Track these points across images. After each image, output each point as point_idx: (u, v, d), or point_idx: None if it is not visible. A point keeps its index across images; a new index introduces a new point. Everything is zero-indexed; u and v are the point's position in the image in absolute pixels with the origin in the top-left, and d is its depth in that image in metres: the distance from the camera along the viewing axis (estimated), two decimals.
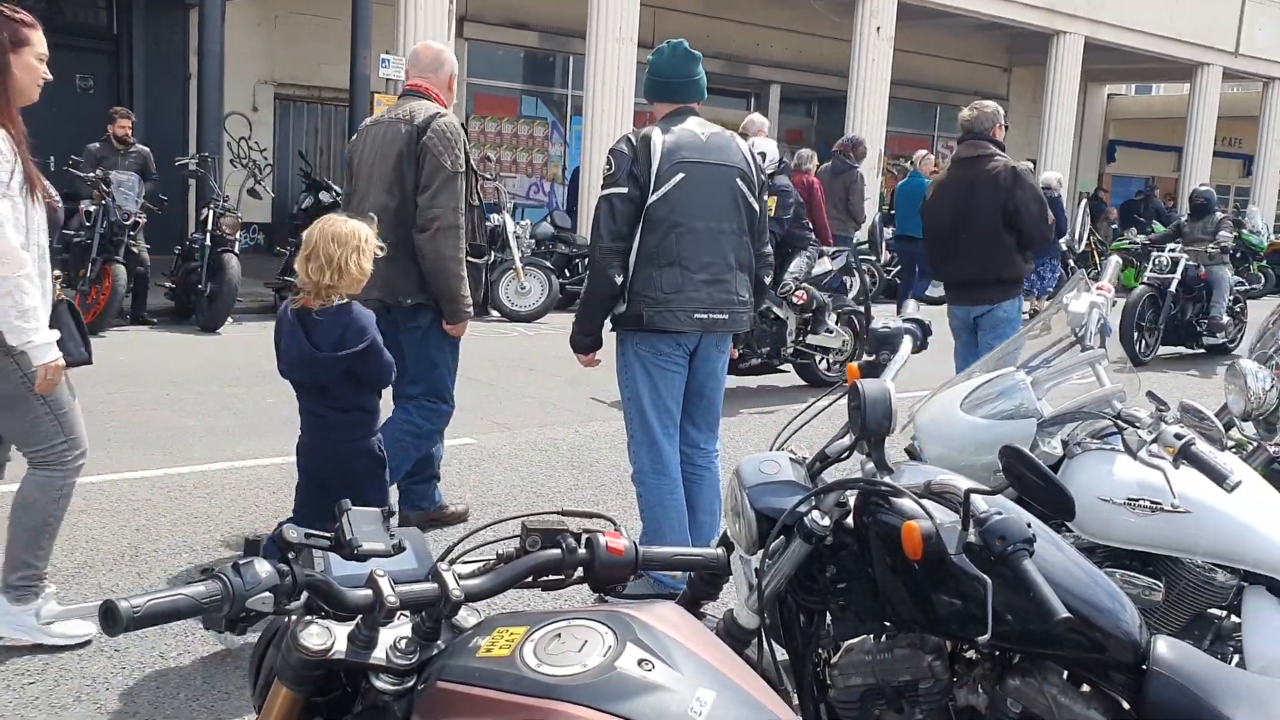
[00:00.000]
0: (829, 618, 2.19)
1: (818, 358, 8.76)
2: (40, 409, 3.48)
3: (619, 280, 4.04)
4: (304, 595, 1.36)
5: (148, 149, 11.09)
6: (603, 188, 4.07)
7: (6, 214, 3.28)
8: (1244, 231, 19.57)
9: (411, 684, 1.40)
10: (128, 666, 3.60)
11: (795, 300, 8.31)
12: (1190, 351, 11.68)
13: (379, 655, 1.39)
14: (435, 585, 1.41)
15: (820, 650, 2.19)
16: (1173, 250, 11.55)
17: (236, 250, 10.61)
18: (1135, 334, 11.00)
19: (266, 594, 1.31)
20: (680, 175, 4.02)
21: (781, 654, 2.22)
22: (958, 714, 2.01)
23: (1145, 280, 11.59)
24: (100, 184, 9.96)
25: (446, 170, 4.44)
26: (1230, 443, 3.35)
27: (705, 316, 4.12)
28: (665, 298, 4.05)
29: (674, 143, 4.05)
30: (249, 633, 1.42)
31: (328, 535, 1.41)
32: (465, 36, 16.15)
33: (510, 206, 12.57)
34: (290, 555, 1.35)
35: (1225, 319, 11.53)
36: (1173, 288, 11.21)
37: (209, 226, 10.45)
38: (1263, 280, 18.06)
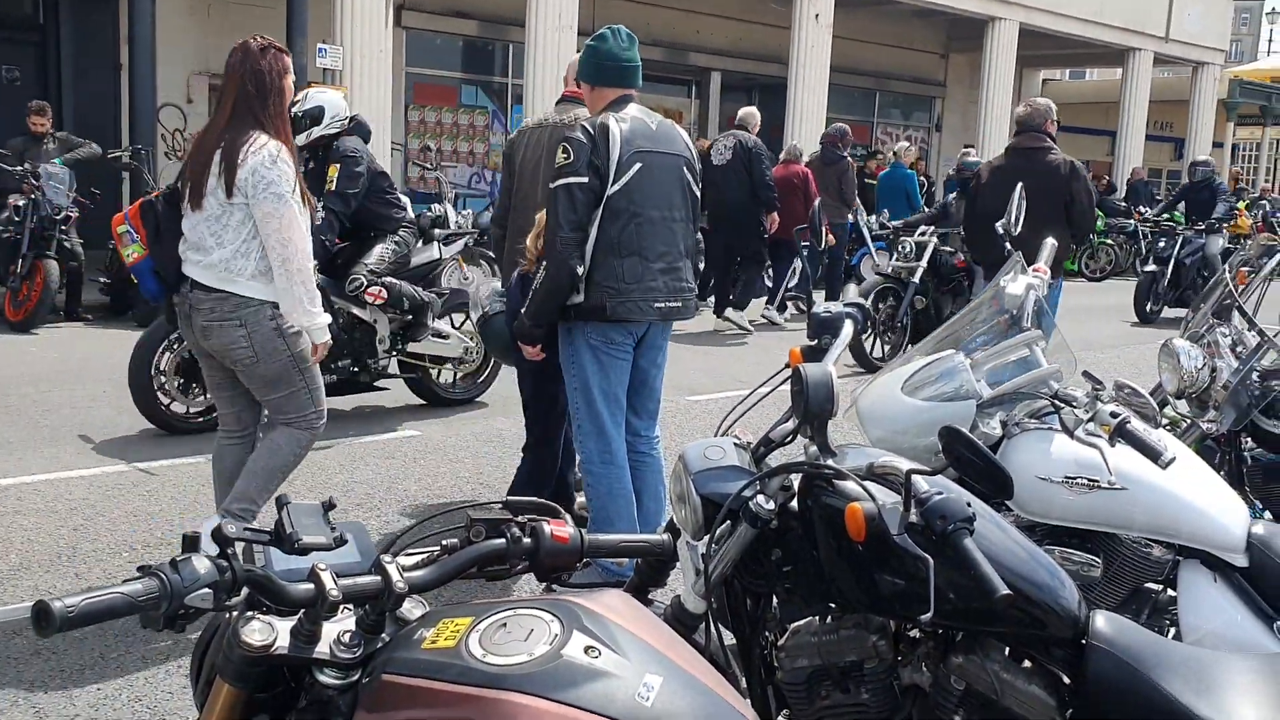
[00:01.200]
0: (775, 601, 2.20)
1: (436, 371, 7.29)
2: (300, 383, 4.05)
3: (580, 271, 4.01)
4: (244, 591, 1.34)
5: (65, 133, 10.81)
6: (559, 177, 4.00)
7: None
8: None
9: (356, 678, 1.39)
10: (66, 669, 3.54)
11: (368, 298, 6.52)
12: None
13: (323, 649, 1.38)
14: (379, 578, 1.39)
15: (767, 633, 2.21)
16: (922, 235, 9.73)
17: None
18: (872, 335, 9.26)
19: (206, 590, 1.29)
20: (638, 165, 4.03)
21: (729, 638, 2.23)
22: (903, 692, 2.04)
23: (885, 270, 9.82)
24: (29, 178, 9.74)
25: None
26: (1164, 421, 3.42)
27: (664, 305, 4.15)
28: (627, 288, 4.05)
29: (630, 132, 4.04)
30: (189, 630, 1.40)
31: (267, 530, 1.39)
32: (403, 25, 15.98)
33: (452, 196, 12.46)
34: (230, 550, 1.33)
35: None
36: (916, 277, 9.41)
37: None
38: None
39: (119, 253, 4.33)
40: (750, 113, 11.33)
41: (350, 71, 12.96)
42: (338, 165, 6.31)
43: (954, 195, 12.14)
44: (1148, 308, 13.14)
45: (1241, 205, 20.01)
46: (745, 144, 10.66)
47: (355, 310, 6.66)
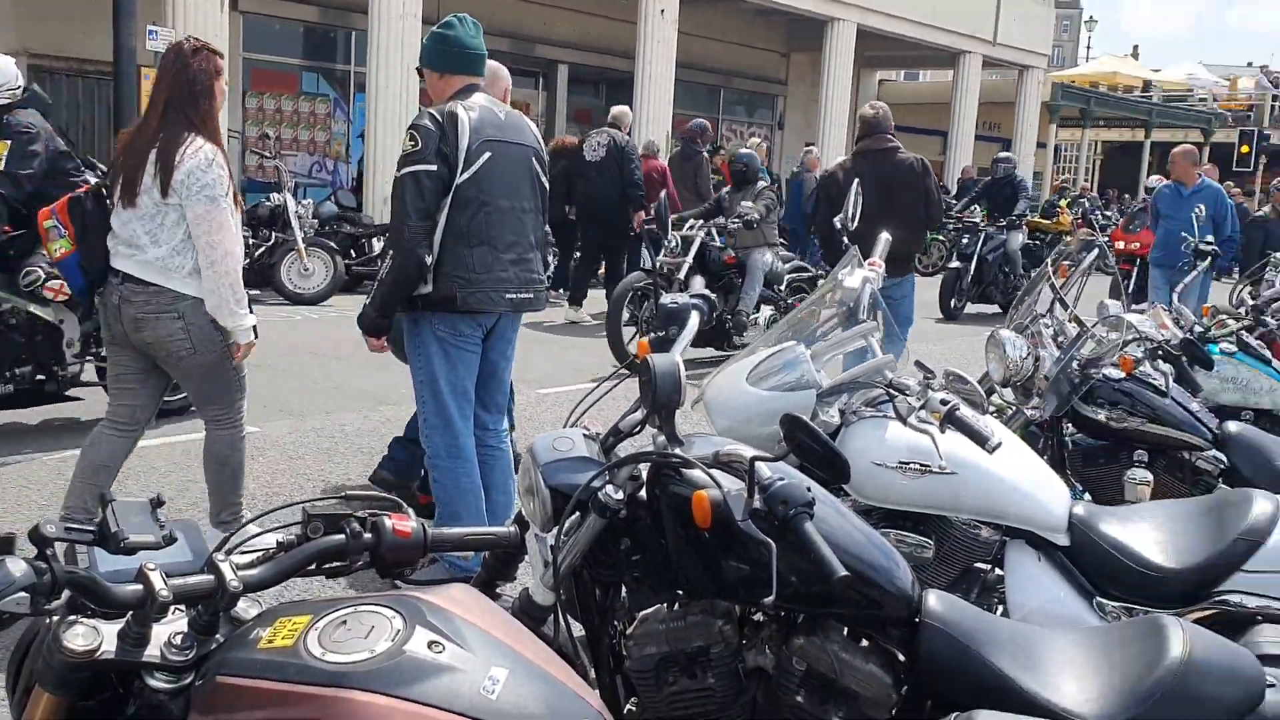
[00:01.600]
0: (624, 590, 2.21)
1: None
2: (230, 374, 4.17)
3: (429, 260, 3.94)
4: (66, 594, 1.27)
5: None
6: (405, 164, 3.91)
7: None
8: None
9: (189, 681, 1.34)
10: None
11: (48, 293, 5.66)
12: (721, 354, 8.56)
13: (152, 653, 1.33)
14: (211, 577, 1.35)
15: (616, 623, 2.22)
16: (690, 229, 9.39)
17: None
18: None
19: (21, 594, 1.22)
20: (488, 154, 3.98)
21: (578, 629, 2.23)
22: (747, 675, 2.08)
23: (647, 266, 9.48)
24: None
25: None
26: (991, 407, 3.57)
27: (515, 296, 4.12)
28: (477, 278, 4.00)
29: (479, 120, 3.99)
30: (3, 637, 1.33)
31: (91, 528, 1.33)
32: (240, 9, 15.45)
33: (291, 185, 12.11)
34: (49, 551, 1.26)
35: (754, 315, 9.16)
36: (682, 274, 8.97)
37: None
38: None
39: (45, 247, 4.24)
40: (623, 111, 11.63)
41: None
42: (8, 142, 5.47)
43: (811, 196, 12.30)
44: (952, 303, 13.35)
45: (1063, 203, 21.08)
46: (618, 142, 10.87)
47: (34, 309, 5.77)
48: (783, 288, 9.65)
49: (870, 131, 6.81)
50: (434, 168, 3.89)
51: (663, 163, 12.09)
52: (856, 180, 4.30)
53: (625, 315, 9.13)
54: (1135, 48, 66.99)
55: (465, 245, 3.98)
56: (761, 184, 10.02)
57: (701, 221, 9.54)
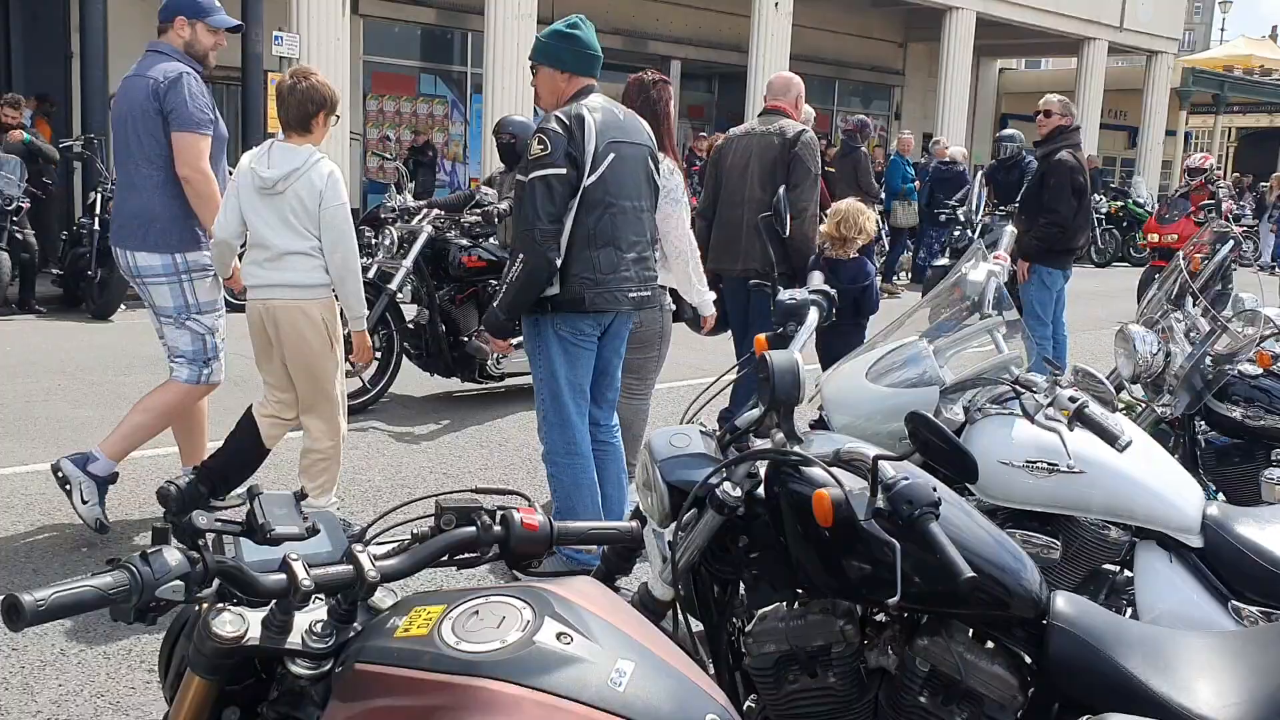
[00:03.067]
0: (742, 587, 2.22)
1: None
2: None
3: (558, 263, 3.99)
4: (215, 582, 1.33)
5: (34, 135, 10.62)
6: (534, 168, 3.93)
7: None
8: (1130, 201, 20.24)
9: (329, 667, 1.38)
10: (28, 665, 3.50)
11: None
12: None
13: (294, 640, 1.37)
14: (350, 567, 1.39)
15: (734, 620, 2.22)
16: (420, 218, 7.44)
17: None
18: None
19: (177, 582, 1.28)
20: (612, 155, 4.02)
21: (696, 625, 2.25)
22: (869, 675, 2.06)
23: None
24: None
25: (812, 174, 5.61)
26: (1121, 405, 3.48)
27: (636, 294, 4.18)
28: (604, 279, 4.05)
29: (603, 122, 4.03)
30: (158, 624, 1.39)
31: (239, 521, 1.39)
32: (361, 13, 15.84)
33: (411, 186, 12.38)
34: (201, 542, 1.32)
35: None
36: (395, 281, 7.01)
37: (97, 210, 10.12)
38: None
39: None
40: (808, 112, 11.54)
41: (307, 60, 12.82)
42: None
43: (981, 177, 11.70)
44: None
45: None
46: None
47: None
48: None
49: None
50: (563, 171, 3.92)
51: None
52: (980, 173, 4.21)
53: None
54: (1275, 29, 63.96)
55: (592, 247, 4.02)
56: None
57: (437, 211, 7.35)
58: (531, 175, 3.94)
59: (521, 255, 3.98)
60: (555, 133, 3.94)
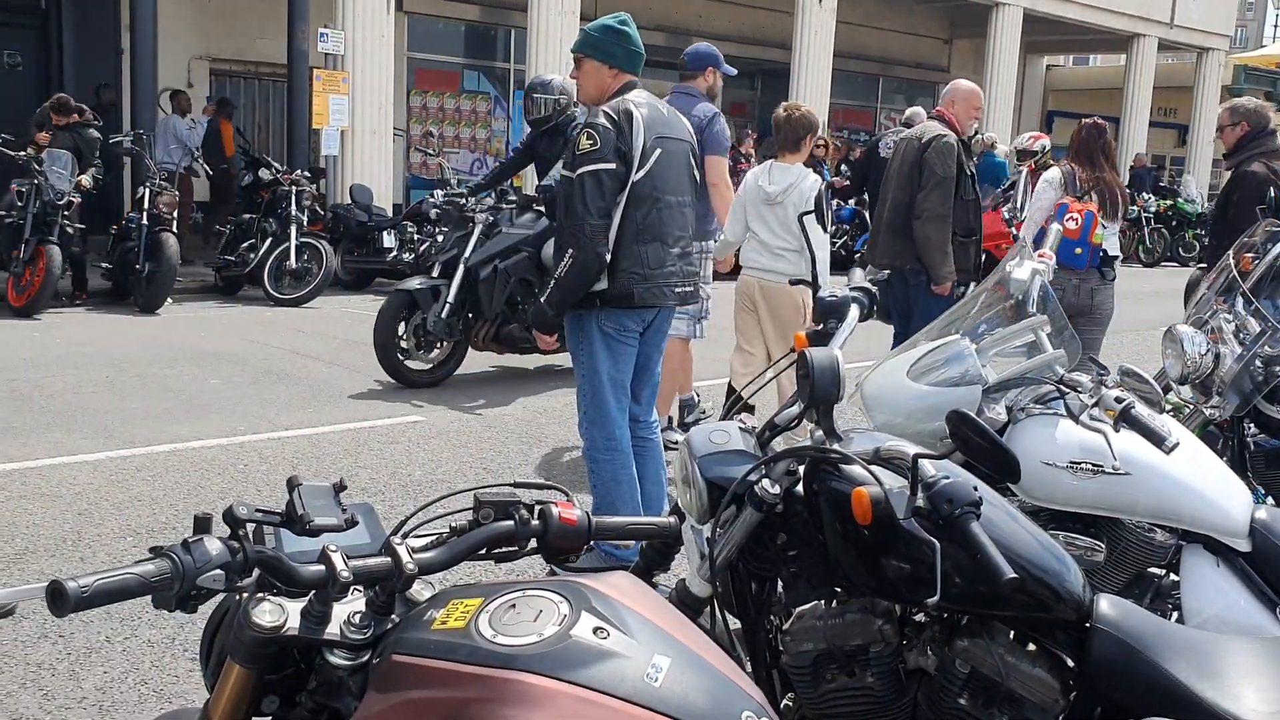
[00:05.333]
0: (780, 585, 2.20)
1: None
2: None
3: (608, 258, 4.00)
4: (255, 572, 1.34)
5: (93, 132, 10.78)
6: (583, 164, 3.93)
7: None
8: (1179, 200, 19.95)
9: (366, 658, 1.39)
10: (74, 652, 3.55)
11: None
12: None
13: (333, 631, 1.38)
14: (388, 559, 1.40)
15: (772, 617, 2.21)
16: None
17: (174, 229, 10.45)
18: None
19: (217, 571, 1.29)
20: (659, 150, 4.04)
21: (734, 622, 2.24)
22: (908, 676, 2.04)
23: None
24: (33, 162, 9.74)
25: (938, 177, 5.87)
26: (1168, 406, 3.42)
27: (681, 289, 4.20)
28: (651, 273, 4.07)
29: (649, 117, 4.05)
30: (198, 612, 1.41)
31: (279, 511, 1.40)
32: (405, 10, 15.94)
33: (455, 182, 12.45)
34: (241, 531, 1.34)
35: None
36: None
37: (146, 205, 10.26)
38: (1197, 248, 18.37)
39: None
40: (915, 112, 11.70)
41: (352, 56, 12.93)
42: None
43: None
44: None
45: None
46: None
47: None
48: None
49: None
50: (613, 166, 3.93)
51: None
52: (1026, 170, 4.17)
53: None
54: None
55: (640, 242, 4.03)
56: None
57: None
58: (581, 170, 3.94)
59: (571, 250, 3.98)
60: (605, 128, 3.95)
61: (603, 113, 4.00)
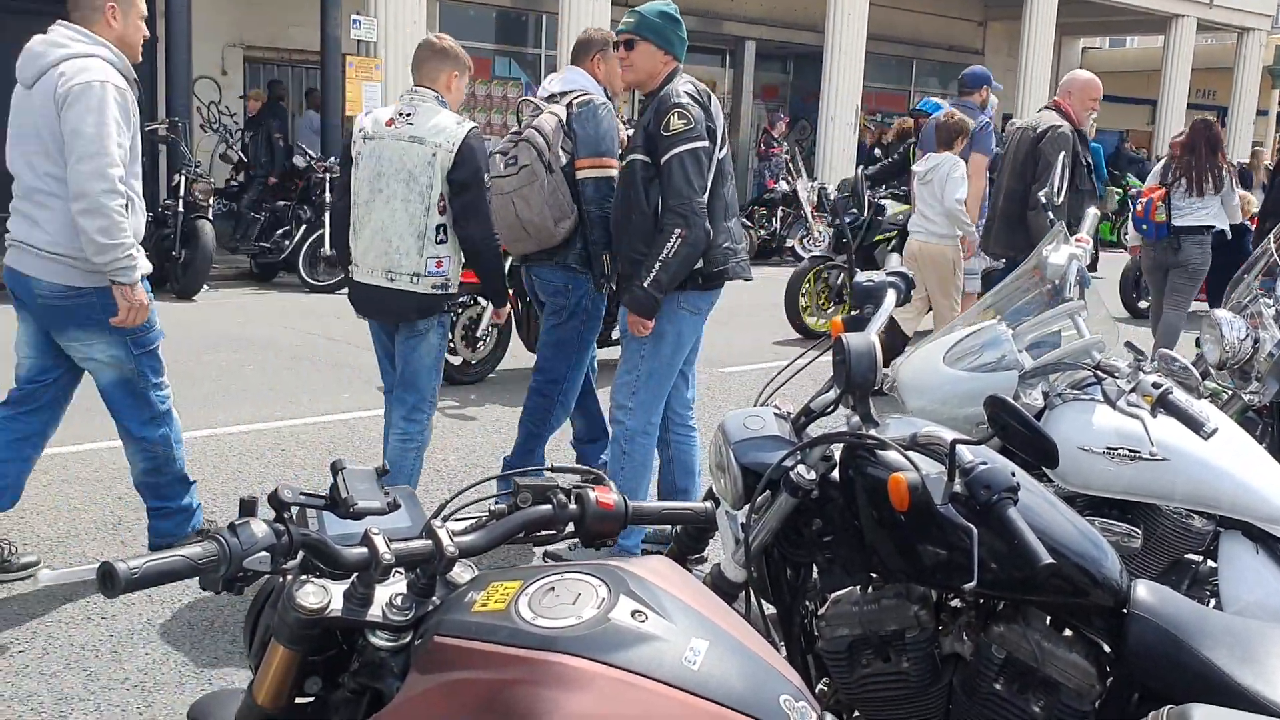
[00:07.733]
0: (815, 571, 2.21)
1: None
2: None
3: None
4: (300, 554, 1.36)
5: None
6: (678, 144, 3.87)
7: None
8: None
9: (408, 640, 1.41)
10: (116, 633, 3.61)
11: None
12: None
13: (375, 613, 1.40)
14: (429, 542, 1.41)
15: (807, 603, 2.21)
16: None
17: (210, 216, 10.54)
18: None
19: (263, 554, 1.31)
20: (723, 130, 4.10)
21: (769, 608, 2.24)
22: (943, 661, 2.04)
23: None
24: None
25: (1051, 166, 6.10)
26: (1206, 391, 3.40)
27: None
28: (739, 248, 4.11)
29: (711, 100, 4.11)
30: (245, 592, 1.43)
31: (323, 495, 1.42)
32: None
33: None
34: (286, 514, 1.35)
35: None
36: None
37: (181, 193, 10.35)
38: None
39: None
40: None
41: (384, 43, 12.97)
42: None
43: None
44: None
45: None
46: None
47: None
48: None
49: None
50: (706, 144, 3.94)
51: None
52: (1062, 154, 4.14)
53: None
54: None
55: (727, 217, 4.06)
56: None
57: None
58: (679, 149, 3.88)
59: (678, 230, 3.87)
60: (694, 107, 3.93)
61: (685, 94, 3.95)
